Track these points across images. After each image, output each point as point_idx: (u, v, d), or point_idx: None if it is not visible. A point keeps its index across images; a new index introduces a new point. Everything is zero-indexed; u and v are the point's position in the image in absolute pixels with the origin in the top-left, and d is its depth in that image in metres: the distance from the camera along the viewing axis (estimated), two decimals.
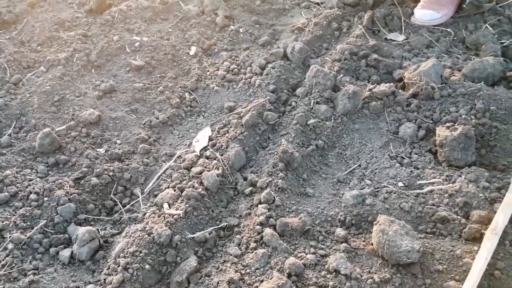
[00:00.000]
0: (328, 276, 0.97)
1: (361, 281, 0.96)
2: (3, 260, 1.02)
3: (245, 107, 1.46)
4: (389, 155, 1.31)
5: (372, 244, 1.05)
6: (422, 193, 1.18)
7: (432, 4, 1.88)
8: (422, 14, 1.88)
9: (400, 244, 1.00)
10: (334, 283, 0.95)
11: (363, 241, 1.07)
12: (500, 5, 1.94)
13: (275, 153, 1.28)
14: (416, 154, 1.31)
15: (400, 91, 1.48)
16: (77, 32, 1.82)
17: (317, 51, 1.78)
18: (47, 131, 1.31)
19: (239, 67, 1.68)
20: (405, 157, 1.30)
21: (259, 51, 1.76)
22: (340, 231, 1.09)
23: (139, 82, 1.59)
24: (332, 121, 1.41)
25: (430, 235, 1.09)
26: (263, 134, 1.40)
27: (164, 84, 1.60)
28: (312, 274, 0.98)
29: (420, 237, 1.07)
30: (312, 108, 1.45)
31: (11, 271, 1.01)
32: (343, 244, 1.05)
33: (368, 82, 1.56)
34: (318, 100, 1.47)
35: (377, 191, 1.20)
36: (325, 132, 1.38)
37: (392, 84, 1.49)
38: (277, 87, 1.54)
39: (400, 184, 1.22)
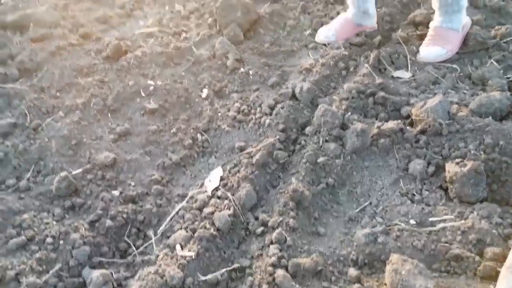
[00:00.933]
0: None
1: None
2: None
3: (255, 147, 1.50)
4: (399, 192, 1.32)
5: (385, 284, 1.04)
6: (435, 231, 1.18)
7: (437, 41, 1.93)
8: (428, 52, 1.92)
9: (414, 284, 0.99)
10: None
11: (376, 281, 1.06)
12: (504, 40, 1.98)
13: (286, 192, 1.30)
14: (427, 190, 1.31)
15: (408, 127, 1.50)
16: (94, 78, 1.91)
17: (325, 90, 1.82)
18: (64, 175, 1.36)
19: (249, 108, 1.73)
20: (416, 193, 1.31)
21: (268, 92, 1.82)
22: (353, 271, 1.08)
23: (153, 124, 1.65)
24: (342, 159, 1.43)
25: (445, 274, 1.08)
26: (273, 173, 1.42)
27: (177, 126, 1.65)
28: None
29: (434, 276, 1.06)
30: (321, 146, 1.47)
31: None
32: (356, 285, 1.04)
33: (376, 119, 1.59)
34: (327, 138, 1.49)
35: (389, 229, 1.19)
36: (335, 170, 1.40)
37: (400, 121, 1.52)
38: (286, 126, 1.57)
39: (412, 221, 1.22)
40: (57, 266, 1.13)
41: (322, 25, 2.24)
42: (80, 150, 1.53)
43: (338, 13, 2.34)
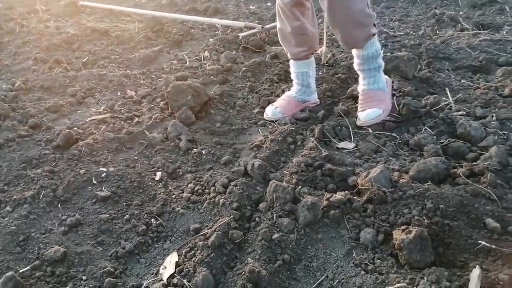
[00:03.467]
0: None
1: None
2: None
3: (211, 228, 1.50)
4: (353, 263, 1.35)
5: None
6: None
7: (370, 103, 2.14)
8: (366, 115, 2.10)
9: None
10: None
11: None
12: (434, 108, 2.19)
13: (243, 273, 1.29)
14: (378, 259, 1.35)
15: (355, 197, 1.58)
16: (44, 169, 1.88)
17: (276, 165, 1.90)
18: (10, 275, 1.29)
19: (203, 188, 1.76)
20: (368, 263, 1.34)
21: (222, 170, 1.86)
22: None
23: (105, 213, 1.63)
24: (296, 233, 1.46)
25: None
26: (229, 254, 1.42)
27: (130, 212, 1.64)
28: None
29: None
30: (275, 222, 1.50)
31: None
32: None
33: (325, 191, 1.66)
34: (280, 213, 1.53)
35: None
36: (290, 245, 1.42)
37: (347, 192, 1.59)
38: (241, 204, 1.60)
39: None
40: None
41: (269, 103, 2.39)
42: (28, 246, 1.47)
43: (283, 91, 2.51)
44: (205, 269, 1.32)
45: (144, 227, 1.56)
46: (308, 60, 2.28)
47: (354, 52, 2.15)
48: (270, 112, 2.28)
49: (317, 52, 2.87)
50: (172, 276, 1.32)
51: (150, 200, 1.73)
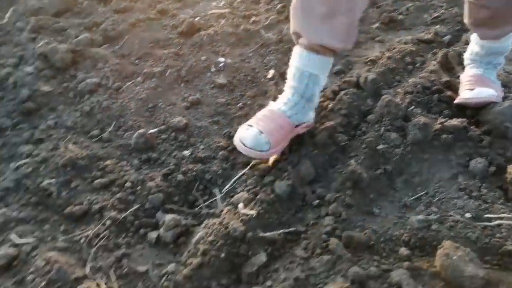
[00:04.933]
0: None
1: None
2: (102, 233, 1.19)
3: (317, 128, 1.56)
4: (458, 186, 1.34)
5: (435, 266, 1.09)
6: (490, 226, 1.20)
7: (482, 84, 1.62)
8: (477, 92, 1.58)
9: (464, 269, 1.03)
10: None
11: (427, 262, 1.11)
12: None
13: (344, 172, 1.36)
14: (485, 188, 1.33)
15: (472, 127, 1.51)
16: (170, 51, 2.05)
17: (389, 83, 1.85)
18: (142, 132, 1.50)
19: None
20: (474, 190, 1.32)
21: (333, 78, 1.87)
22: (403, 251, 1.13)
23: (222, 97, 1.76)
24: (402, 148, 1.47)
25: (496, 267, 1.10)
26: (332, 154, 1.48)
27: (243, 102, 1.75)
28: (374, 285, 1.03)
29: (485, 267, 1.09)
30: (382, 135, 1.51)
31: (108, 242, 1.17)
32: (406, 263, 1.09)
33: (440, 116, 1.61)
34: (389, 128, 1.53)
35: (444, 219, 1.23)
36: (394, 158, 1.44)
37: (464, 119, 1.53)
38: (349, 112, 1.63)
39: (468, 215, 1.24)
40: (135, 206, 1.27)
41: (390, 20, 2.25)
42: (156, 112, 1.66)
43: (407, 9, 2.34)
44: (308, 161, 1.40)
45: None
46: (328, 57, 1.39)
47: (480, 41, 1.65)
48: (249, 138, 1.30)
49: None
50: (278, 161, 1.43)
51: (262, 94, 1.82)
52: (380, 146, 1.47)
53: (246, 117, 1.68)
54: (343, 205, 1.25)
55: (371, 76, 1.77)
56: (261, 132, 1.31)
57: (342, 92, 1.73)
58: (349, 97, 1.68)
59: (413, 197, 1.33)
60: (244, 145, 1.30)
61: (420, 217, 1.22)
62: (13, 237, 1.19)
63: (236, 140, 1.32)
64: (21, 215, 1.26)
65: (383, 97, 1.62)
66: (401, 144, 1.48)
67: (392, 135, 1.50)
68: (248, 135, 1.30)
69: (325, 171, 1.43)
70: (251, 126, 1.34)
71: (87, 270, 1.11)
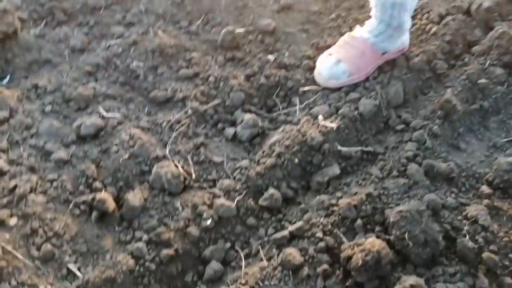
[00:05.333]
0: (465, 221, 0.98)
1: (496, 237, 0.95)
2: (183, 120, 1.23)
3: (413, 51, 1.44)
4: None
5: None
6: None
7: None
8: None
9: None
10: (469, 229, 0.96)
11: (508, 203, 1.04)
12: None
13: (437, 100, 1.26)
14: None
15: None
16: None
17: (504, 15, 1.63)
18: (230, 30, 1.47)
19: (415, 12, 1.63)
20: None
21: (440, 1, 1.68)
22: (485, 189, 1.07)
23: (315, 5, 1.66)
24: (505, 87, 1.32)
25: None
26: (426, 81, 1.37)
27: (337, 13, 1.64)
28: (449, 215, 0.99)
29: None
30: (486, 69, 1.37)
31: (187, 130, 1.22)
32: (486, 200, 1.03)
33: None
34: (495, 62, 1.37)
35: None
36: (494, 96, 1.31)
37: None
38: (452, 39, 1.47)
39: None
40: (216, 101, 1.29)
41: None
42: (245, 12, 1.61)
43: None
44: (399, 84, 1.32)
45: (347, 30, 1.56)
46: None
47: None
48: (326, 68, 1.30)
49: None
50: (366, 79, 1.35)
51: (358, 8, 1.68)
52: (481, 80, 1.33)
53: (338, 29, 1.58)
54: (429, 134, 1.18)
55: (486, 3, 1.56)
56: (339, 61, 1.29)
57: (449, 17, 1.55)
58: (456, 23, 1.51)
59: (506, 139, 1.23)
60: (321, 76, 1.31)
61: (510, 159, 1.12)
62: (101, 110, 1.27)
63: (315, 70, 1.34)
64: (109, 91, 1.33)
65: (496, 27, 1.44)
66: (505, 82, 1.34)
67: (497, 71, 1.35)
68: (325, 65, 1.31)
69: (415, 97, 1.34)
70: (330, 54, 1.33)
71: (167, 151, 1.17)
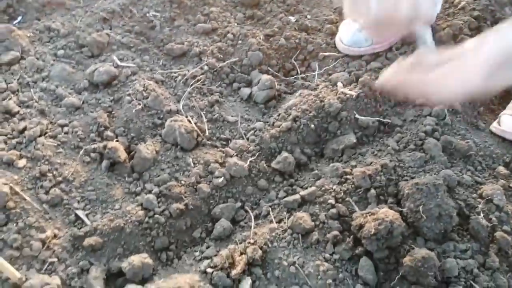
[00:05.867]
0: (479, 200, 0.96)
1: (510, 217, 0.94)
2: (198, 76, 1.20)
3: (440, 24, 1.39)
4: None
5: None
6: None
7: None
8: None
9: None
10: (483, 207, 0.95)
11: None
12: None
13: None
14: None
15: None
16: None
17: None
18: None
19: None
20: None
21: None
22: (502, 169, 1.05)
23: None
24: None
25: None
26: None
27: None
28: (464, 192, 0.98)
29: None
30: None
31: (202, 86, 1.19)
32: (502, 181, 1.02)
33: None
34: None
35: None
36: None
37: None
38: (481, 15, 1.41)
39: None
40: (233, 59, 1.25)
41: None
42: None
43: None
44: None
45: None
46: None
47: None
48: (348, 34, 1.27)
49: None
50: (388, 49, 1.31)
51: None
52: None
53: None
54: (449, 110, 1.15)
55: None
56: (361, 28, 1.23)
57: None
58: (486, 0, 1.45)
59: None
60: (342, 42, 1.27)
61: None
62: (115, 58, 1.23)
63: (337, 36, 1.31)
64: (124, 40, 1.29)
65: None
66: None
67: None
68: (347, 31, 1.27)
69: None
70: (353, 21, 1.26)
71: (181, 106, 1.14)
